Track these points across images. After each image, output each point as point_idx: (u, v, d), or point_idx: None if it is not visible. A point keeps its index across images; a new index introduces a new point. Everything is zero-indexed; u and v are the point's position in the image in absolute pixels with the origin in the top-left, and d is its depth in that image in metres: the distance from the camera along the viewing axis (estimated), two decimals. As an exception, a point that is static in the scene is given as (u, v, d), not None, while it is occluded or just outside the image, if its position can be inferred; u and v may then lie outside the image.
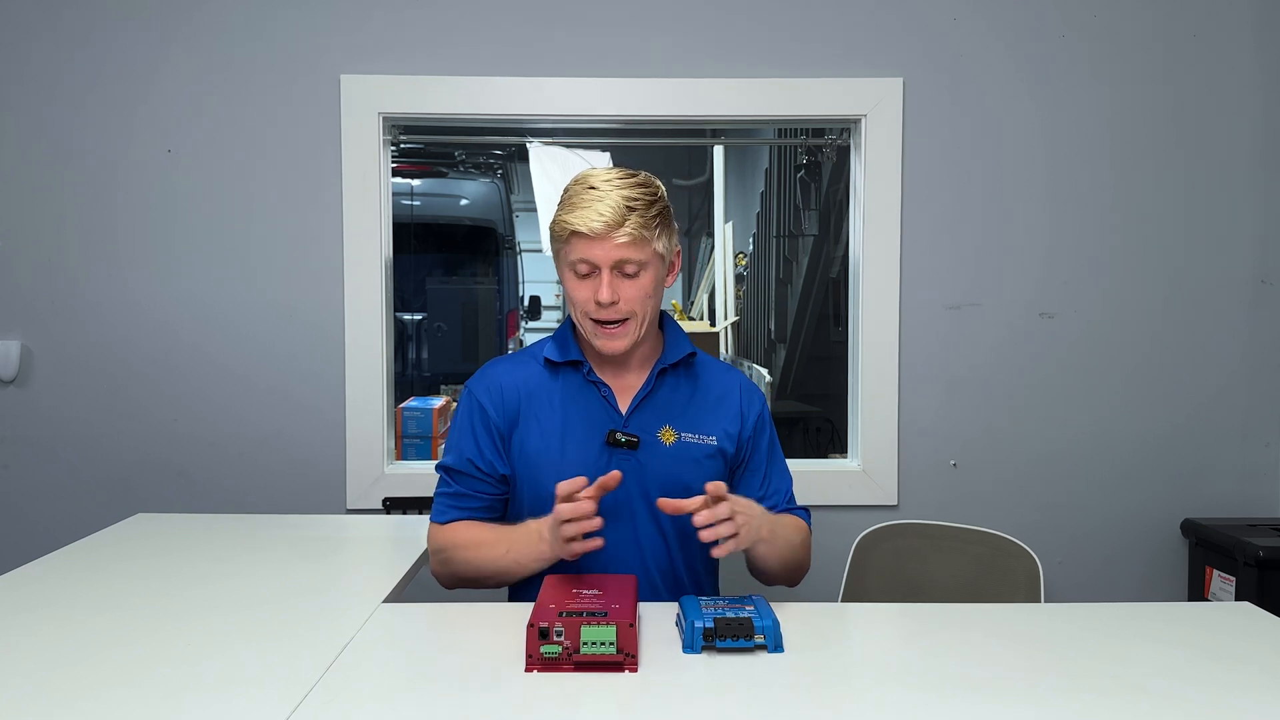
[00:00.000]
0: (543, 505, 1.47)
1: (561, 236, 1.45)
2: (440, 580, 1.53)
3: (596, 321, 1.45)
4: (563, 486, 1.32)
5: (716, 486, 1.31)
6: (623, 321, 1.45)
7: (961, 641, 1.25)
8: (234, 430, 2.36)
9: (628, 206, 1.40)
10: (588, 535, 1.34)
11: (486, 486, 1.52)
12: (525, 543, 1.42)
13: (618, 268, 1.42)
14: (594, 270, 1.43)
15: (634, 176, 1.46)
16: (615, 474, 1.32)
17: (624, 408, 1.51)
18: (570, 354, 1.53)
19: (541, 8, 2.35)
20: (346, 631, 1.25)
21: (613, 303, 1.43)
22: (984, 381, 2.42)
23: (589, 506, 1.31)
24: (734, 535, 1.31)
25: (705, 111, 2.36)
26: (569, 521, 1.32)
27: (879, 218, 2.38)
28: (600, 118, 2.40)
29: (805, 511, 1.62)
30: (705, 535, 1.30)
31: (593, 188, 1.43)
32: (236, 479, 2.36)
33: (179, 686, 1.07)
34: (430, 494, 2.32)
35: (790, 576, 1.55)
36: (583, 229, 1.40)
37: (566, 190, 1.47)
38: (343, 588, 1.51)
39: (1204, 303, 2.43)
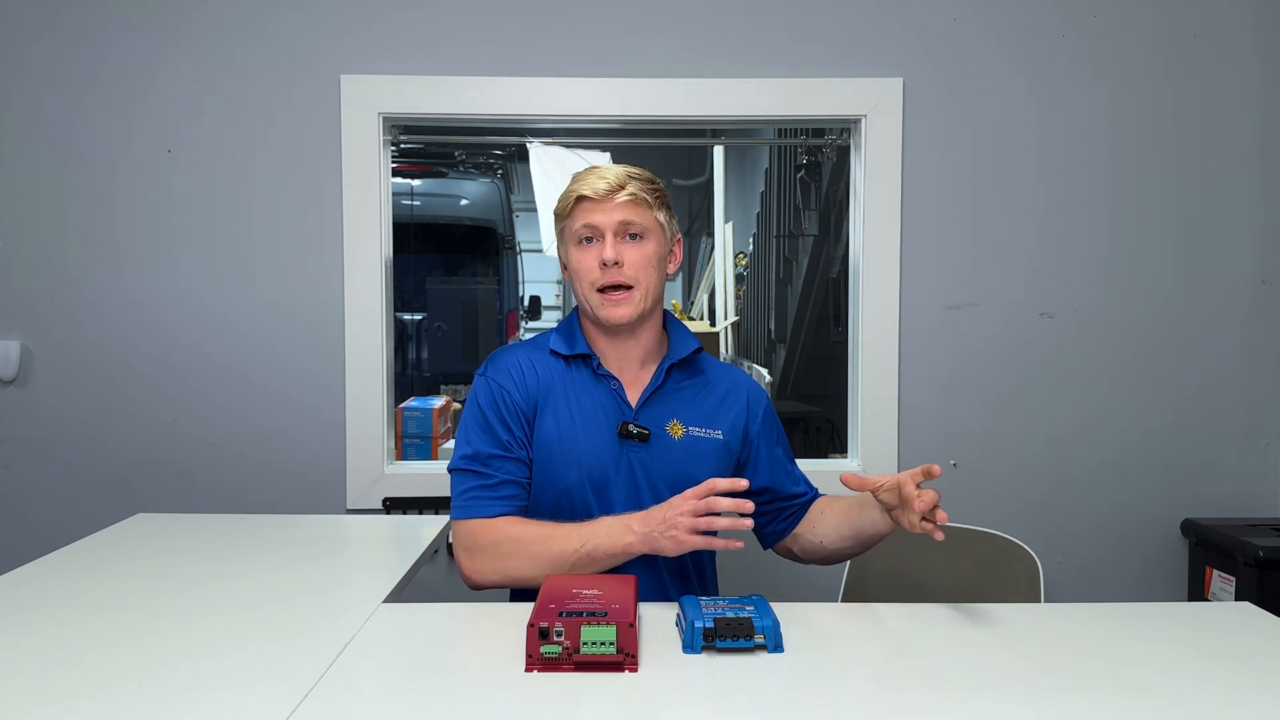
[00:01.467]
0: (553, 493, 1.49)
1: (565, 210, 1.51)
2: (477, 579, 1.45)
3: (601, 290, 1.48)
4: (718, 483, 1.33)
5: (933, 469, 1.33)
6: (627, 289, 1.48)
7: (961, 641, 1.25)
8: (234, 430, 2.36)
9: (629, 176, 1.50)
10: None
11: (523, 472, 1.49)
12: (607, 536, 1.38)
13: (621, 231, 1.48)
14: (597, 236, 1.48)
15: (634, 166, 1.56)
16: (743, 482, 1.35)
17: (633, 401, 1.53)
18: (578, 347, 1.54)
19: (542, 8, 2.35)
20: (346, 631, 1.25)
21: (616, 263, 1.46)
22: (984, 381, 2.42)
23: (749, 506, 1.32)
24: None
25: (705, 111, 2.36)
26: (709, 511, 1.32)
27: (879, 218, 2.38)
28: (600, 118, 2.40)
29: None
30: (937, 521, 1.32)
31: (595, 167, 1.54)
32: (236, 479, 2.36)
33: (179, 686, 1.07)
34: (429, 494, 2.36)
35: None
36: (588, 192, 1.48)
37: (570, 180, 1.56)
38: (343, 588, 1.51)
39: (1204, 302, 2.43)
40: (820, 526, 1.58)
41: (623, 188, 1.47)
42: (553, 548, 1.40)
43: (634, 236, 1.48)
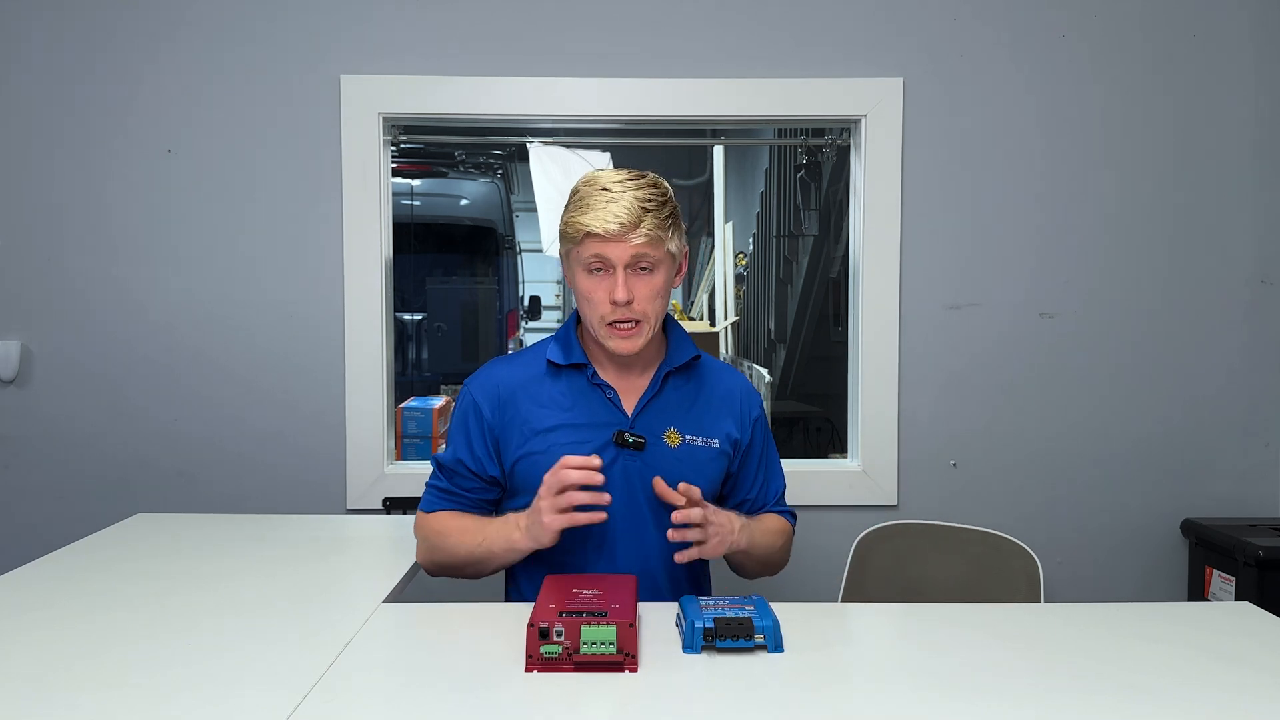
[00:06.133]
0: None
1: (574, 237, 1.43)
2: (425, 567, 1.57)
3: (610, 323, 1.44)
4: (569, 460, 1.36)
5: (689, 490, 1.38)
6: (636, 323, 1.44)
7: (961, 641, 1.25)
8: (234, 430, 2.36)
9: (642, 208, 1.40)
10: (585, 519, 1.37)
11: (475, 485, 1.53)
12: (498, 532, 1.45)
13: (632, 265, 1.42)
14: (607, 268, 1.42)
15: (643, 177, 1.46)
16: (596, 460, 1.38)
17: (629, 410, 1.51)
18: (574, 357, 1.52)
19: (542, 8, 2.35)
20: (346, 631, 1.25)
21: (628, 302, 1.42)
22: (984, 381, 2.42)
23: (597, 469, 1.35)
24: (701, 543, 1.38)
25: (705, 111, 2.36)
26: (566, 491, 1.34)
27: (879, 218, 2.38)
28: (600, 118, 2.40)
29: (792, 515, 1.65)
30: (672, 535, 1.37)
31: (605, 189, 1.42)
32: (236, 479, 2.36)
33: (179, 686, 1.07)
34: (430, 494, 2.36)
35: (767, 573, 1.61)
36: (599, 230, 1.39)
37: (576, 192, 1.46)
38: (343, 588, 1.52)
39: (1204, 302, 2.43)
40: None
41: (637, 226, 1.38)
42: (461, 540, 1.48)
43: (644, 269, 1.43)
